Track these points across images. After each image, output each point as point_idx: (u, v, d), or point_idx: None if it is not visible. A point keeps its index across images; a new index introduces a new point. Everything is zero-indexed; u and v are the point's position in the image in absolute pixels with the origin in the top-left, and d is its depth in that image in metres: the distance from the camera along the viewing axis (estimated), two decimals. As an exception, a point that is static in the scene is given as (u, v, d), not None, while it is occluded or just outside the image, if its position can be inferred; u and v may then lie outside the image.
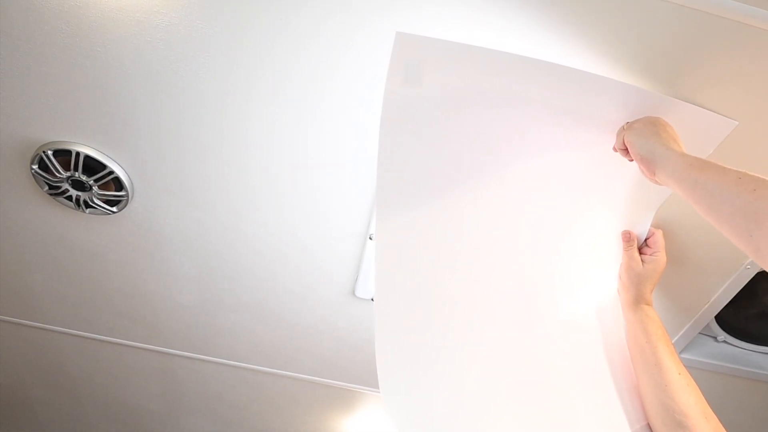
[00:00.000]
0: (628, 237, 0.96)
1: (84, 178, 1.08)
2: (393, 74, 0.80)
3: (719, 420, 0.78)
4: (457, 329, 0.93)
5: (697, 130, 0.85)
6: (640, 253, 0.96)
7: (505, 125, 0.86)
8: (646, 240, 0.98)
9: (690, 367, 1.30)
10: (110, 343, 1.60)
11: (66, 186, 1.11)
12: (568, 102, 0.83)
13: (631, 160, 0.79)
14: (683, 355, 1.27)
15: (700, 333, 1.24)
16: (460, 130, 0.86)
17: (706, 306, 1.14)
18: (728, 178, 0.59)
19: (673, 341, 1.23)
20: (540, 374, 0.93)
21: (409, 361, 0.92)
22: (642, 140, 0.74)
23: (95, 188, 1.10)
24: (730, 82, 0.82)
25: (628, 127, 0.79)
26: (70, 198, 1.13)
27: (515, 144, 0.88)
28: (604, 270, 1.00)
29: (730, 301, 1.12)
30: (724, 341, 1.29)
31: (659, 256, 0.94)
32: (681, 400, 0.80)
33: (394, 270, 0.90)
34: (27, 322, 1.56)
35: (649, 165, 0.72)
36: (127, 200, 1.14)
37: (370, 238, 1.15)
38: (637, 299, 0.93)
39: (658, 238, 0.96)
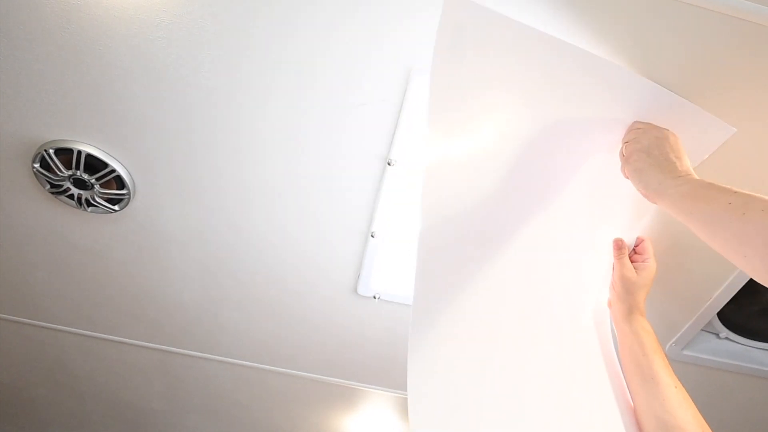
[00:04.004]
0: (619, 245, 0.94)
1: (86, 176, 1.08)
2: (441, 37, 0.77)
3: (718, 422, 0.77)
4: (478, 336, 0.91)
5: (696, 132, 0.85)
6: (631, 261, 0.95)
7: (527, 115, 0.85)
8: (634, 248, 0.97)
9: (692, 363, 1.30)
10: (112, 341, 1.60)
11: (68, 184, 1.10)
12: (582, 88, 0.82)
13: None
14: (685, 352, 1.27)
15: (702, 330, 1.24)
16: (490, 113, 0.85)
17: (709, 303, 1.14)
18: (719, 205, 0.62)
19: (675, 338, 1.23)
20: (540, 393, 0.90)
21: (438, 371, 0.89)
22: (638, 176, 0.77)
23: (97, 187, 1.10)
24: (733, 84, 0.82)
25: (625, 161, 0.81)
26: (71, 196, 1.13)
27: (531, 145, 0.87)
28: (598, 281, 0.98)
29: (733, 298, 1.12)
30: (727, 338, 1.28)
31: (650, 263, 0.93)
32: (678, 415, 0.78)
33: (434, 270, 0.87)
34: (28, 320, 1.56)
35: (649, 198, 0.76)
36: (129, 198, 1.13)
37: (372, 236, 1.15)
38: (631, 309, 0.91)
39: (647, 245, 0.95)
